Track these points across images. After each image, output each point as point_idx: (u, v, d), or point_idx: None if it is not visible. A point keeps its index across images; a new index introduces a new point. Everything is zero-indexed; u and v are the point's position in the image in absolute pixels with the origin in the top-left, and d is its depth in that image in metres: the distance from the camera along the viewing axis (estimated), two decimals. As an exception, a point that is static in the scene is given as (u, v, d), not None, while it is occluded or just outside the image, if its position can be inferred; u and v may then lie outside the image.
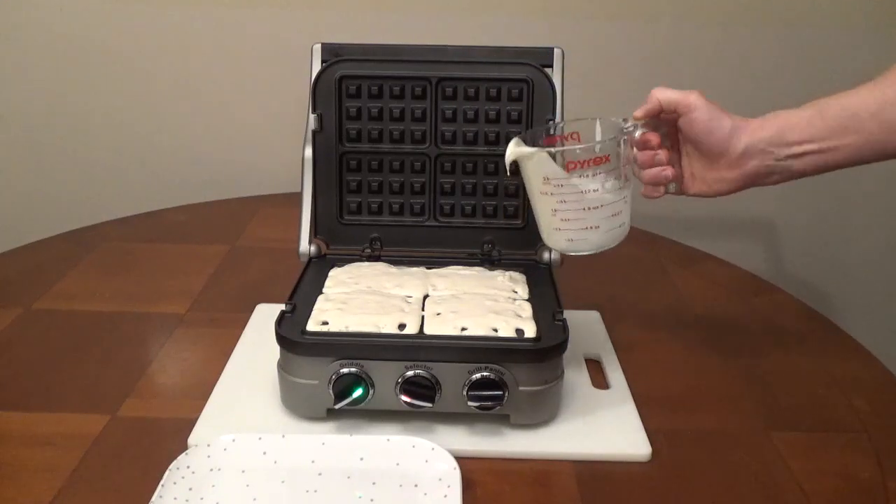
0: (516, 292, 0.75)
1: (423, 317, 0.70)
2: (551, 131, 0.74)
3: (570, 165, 0.66)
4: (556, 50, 0.82)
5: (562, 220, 0.68)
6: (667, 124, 0.72)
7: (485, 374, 0.65)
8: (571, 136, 0.71)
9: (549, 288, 0.76)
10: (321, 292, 0.74)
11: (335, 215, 0.83)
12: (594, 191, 0.66)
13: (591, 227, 0.68)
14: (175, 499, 0.58)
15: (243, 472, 0.62)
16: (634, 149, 0.71)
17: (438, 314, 0.70)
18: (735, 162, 0.68)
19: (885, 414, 0.75)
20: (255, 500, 0.60)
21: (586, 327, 0.85)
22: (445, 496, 0.59)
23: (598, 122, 0.70)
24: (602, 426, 0.69)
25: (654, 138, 0.71)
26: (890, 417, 0.74)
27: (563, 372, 0.69)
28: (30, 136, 1.37)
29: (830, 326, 0.92)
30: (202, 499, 0.59)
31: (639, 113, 0.70)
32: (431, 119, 0.81)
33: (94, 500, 0.61)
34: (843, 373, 0.81)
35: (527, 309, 0.71)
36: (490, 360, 0.65)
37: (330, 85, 0.80)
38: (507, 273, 0.79)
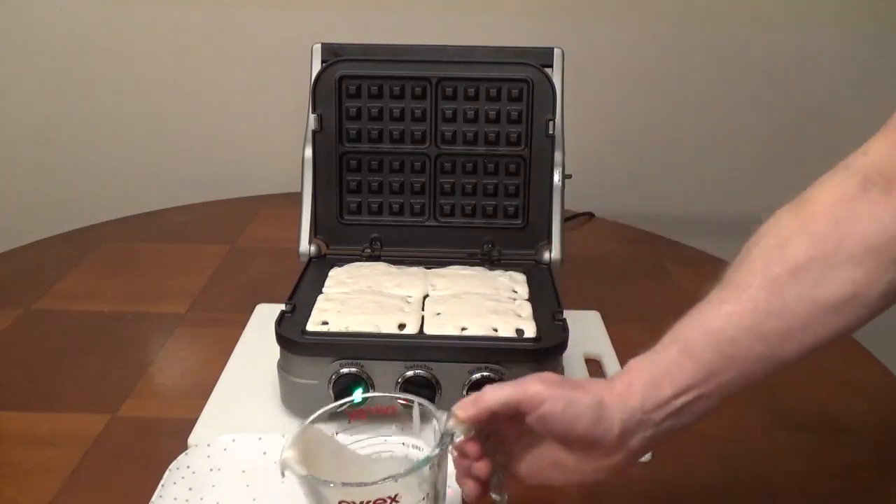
0: (516, 292, 0.75)
1: (423, 317, 0.70)
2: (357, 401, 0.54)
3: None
4: (556, 50, 0.82)
5: None
6: (499, 429, 0.52)
7: (485, 373, 0.65)
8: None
9: (549, 288, 0.76)
10: (321, 292, 0.74)
11: (335, 215, 0.83)
12: None
13: None
14: (175, 499, 0.58)
15: (243, 472, 0.62)
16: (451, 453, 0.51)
17: (438, 314, 0.70)
18: (615, 447, 0.49)
19: (885, 414, 0.75)
20: (254, 500, 0.60)
21: (586, 327, 0.85)
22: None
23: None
24: (602, 426, 0.69)
25: (472, 448, 0.50)
26: (890, 417, 0.74)
27: (563, 372, 0.69)
28: (30, 136, 1.37)
29: (830, 326, 0.91)
30: (202, 499, 0.59)
31: (462, 414, 0.49)
32: (431, 119, 0.81)
33: (94, 500, 0.61)
34: (844, 373, 0.81)
35: (527, 309, 0.71)
36: (490, 360, 0.65)
37: (330, 85, 0.80)
38: (507, 273, 0.79)
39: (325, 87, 0.80)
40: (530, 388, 0.49)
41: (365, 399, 0.54)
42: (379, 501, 0.46)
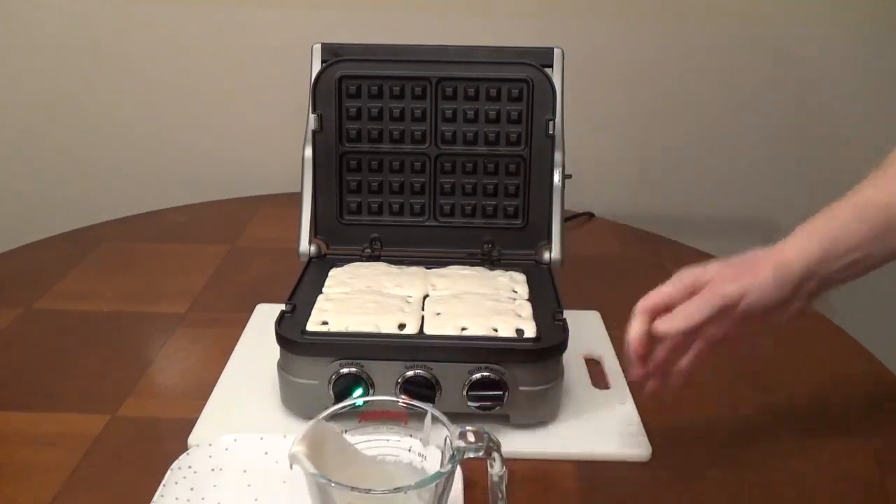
0: (516, 292, 0.75)
1: (422, 317, 0.70)
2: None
3: None
4: (556, 50, 0.82)
5: None
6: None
7: (485, 374, 0.65)
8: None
9: (549, 288, 0.76)
10: (321, 292, 0.74)
11: (335, 215, 0.83)
12: None
13: None
14: (176, 499, 0.58)
15: (245, 472, 0.62)
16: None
17: (438, 314, 0.70)
18: (796, 292, 0.59)
19: (885, 414, 0.75)
20: (256, 500, 0.60)
21: (586, 327, 0.85)
22: (446, 496, 0.59)
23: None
24: (602, 426, 0.69)
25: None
26: (890, 417, 0.74)
27: (563, 372, 0.69)
28: (30, 136, 1.37)
29: (830, 326, 0.91)
30: (203, 499, 0.59)
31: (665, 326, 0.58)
32: (431, 119, 0.81)
33: (94, 500, 0.61)
34: (843, 373, 0.81)
35: (527, 309, 0.71)
36: (490, 360, 0.65)
37: (330, 85, 0.80)
38: (507, 273, 0.79)
39: (325, 87, 0.80)
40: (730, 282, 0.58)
41: (383, 402, 0.55)
42: None
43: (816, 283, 0.59)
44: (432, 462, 0.53)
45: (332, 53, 0.81)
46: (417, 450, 0.54)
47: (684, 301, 0.59)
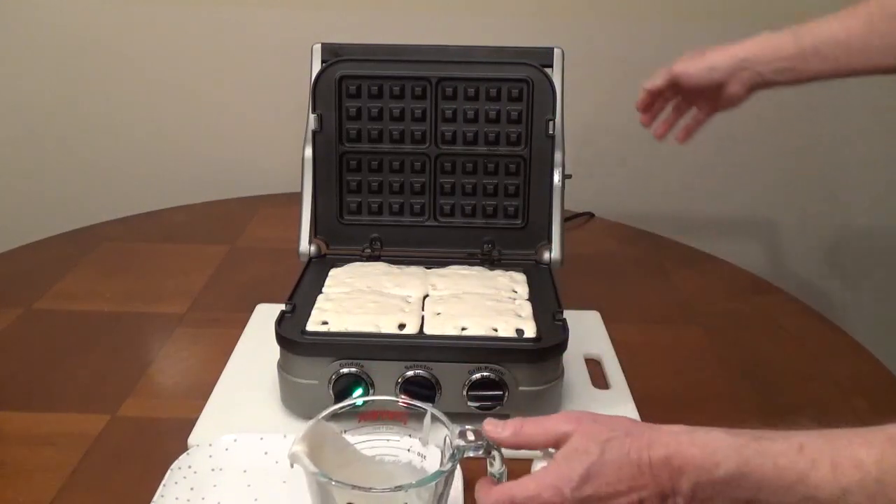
0: (516, 292, 0.75)
1: (422, 317, 0.70)
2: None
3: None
4: (556, 50, 0.82)
5: None
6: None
7: (485, 374, 0.65)
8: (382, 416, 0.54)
9: (549, 288, 0.76)
10: (321, 292, 0.74)
11: (335, 215, 0.83)
12: None
13: None
14: (177, 498, 0.58)
15: (245, 472, 0.62)
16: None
17: (438, 314, 0.70)
18: (731, 77, 0.81)
19: (885, 414, 0.74)
20: (256, 500, 0.60)
21: (586, 327, 0.85)
22: (446, 496, 0.59)
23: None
24: (602, 426, 0.69)
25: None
26: (890, 417, 0.74)
27: (563, 372, 0.69)
28: (30, 136, 1.37)
29: (830, 326, 0.92)
30: (203, 498, 0.59)
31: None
32: (431, 119, 0.81)
33: (94, 500, 0.61)
34: (843, 373, 0.81)
35: (527, 309, 0.71)
36: (490, 360, 0.65)
37: (330, 85, 0.80)
38: (508, 273, 0.79)
39: (326, 87, 0.80)
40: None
41: (383, 401, 0.55)
42: None
43: (749, 74, 0.79)
44: (432, 462, 0.53)
45: (332, 53, 0.81)
46: (417, 449, 0.54)
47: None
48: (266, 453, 0.63)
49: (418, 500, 0.49)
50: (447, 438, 0.51)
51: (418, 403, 0.54)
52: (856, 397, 0.76)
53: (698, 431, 0.46)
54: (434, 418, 0.52)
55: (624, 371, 0.78)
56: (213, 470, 0.62)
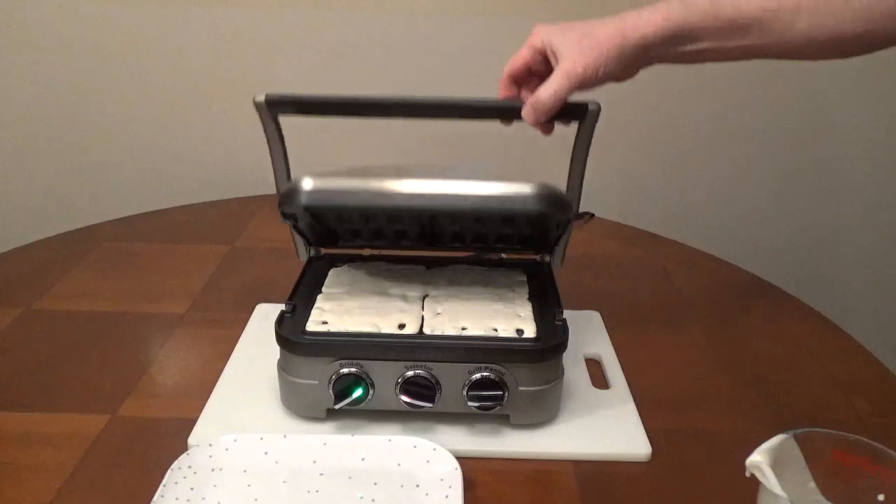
0: (516, 292, 0.75)
1: (422, 317, 0.70)
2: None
3: None
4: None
5: None
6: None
7: (485, 374, 0.65)
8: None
9: (549, 288, 0.76)
10: (321, 292, 0.74)
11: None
12: None
13: None
14: (176, 499, 0.58)
15: (245, 472, 0.62)
16: None
17: (438, 314, 0.70)
18: (635, 63, 0.78)
19: (885, 414, 0.75)
20: (256, 500, 0.60)
21: (586, 327, 0.85)
22: (447, 496, 0.59)
23: None
24: (602, 426, 0.69)
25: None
26: (890, 417, 0.74)
27: (563, 372, 0.69)
28: (30, 136, 1.37)
29: (831, 327, 0.92)
30: (203, 499, 0.59)
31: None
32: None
33: (94, 500, 0.61)
34: (843, 373, 0.81)
35: (527, 309, 0.71)
36: (490, 360, 0.65)
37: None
38: (508, 273, 0.79)
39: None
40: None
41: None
42: None
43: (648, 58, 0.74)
44: None
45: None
46: None
47: (537, 62, 0.72)
48: (266, 453, 0.63)
49: None
50: None
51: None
52: (856, 397, 0.76)
53: None
54: None
55: (624, 371, 0.78)
56: (213, 470, 0.62)
